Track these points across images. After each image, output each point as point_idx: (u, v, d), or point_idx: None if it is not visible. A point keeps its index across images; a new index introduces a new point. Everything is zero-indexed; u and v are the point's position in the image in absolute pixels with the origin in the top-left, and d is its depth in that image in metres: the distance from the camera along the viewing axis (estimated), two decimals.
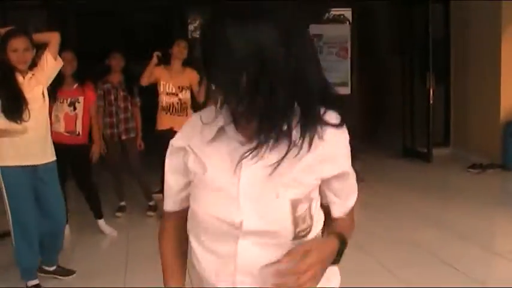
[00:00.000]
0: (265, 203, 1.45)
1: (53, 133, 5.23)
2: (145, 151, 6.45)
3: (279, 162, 1.43)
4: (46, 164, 4.32)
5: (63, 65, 4.91)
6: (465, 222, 5.74)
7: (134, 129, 6.29)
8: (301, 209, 1.47)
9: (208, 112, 1.53)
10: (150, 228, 6.14)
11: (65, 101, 5.33)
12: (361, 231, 5.67)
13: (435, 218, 6.03)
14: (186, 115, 6.00)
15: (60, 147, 5.03)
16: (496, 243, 5.43)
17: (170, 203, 1.68)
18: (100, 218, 5.84)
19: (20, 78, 4.20)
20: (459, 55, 9.11)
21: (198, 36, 11.78)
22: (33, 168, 4.23)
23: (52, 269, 4.67)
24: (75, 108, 5.34)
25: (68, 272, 4.71)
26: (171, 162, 1.63)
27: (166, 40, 6.50)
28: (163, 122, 6.06)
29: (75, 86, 5.39)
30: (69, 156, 5.32)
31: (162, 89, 6.07)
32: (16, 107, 4.10)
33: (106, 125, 6.14)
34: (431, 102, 8.80)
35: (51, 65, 4.39)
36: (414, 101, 9.50)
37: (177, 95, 6.08)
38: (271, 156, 1.44)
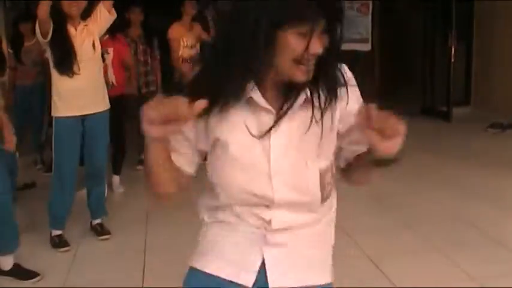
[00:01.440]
0: (295, 174, 1.48)
1: None
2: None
3: (309, 126, 1.46)
4: (97, 113, 4.43)
5: None
6: (483, 182, 5.72)
7: (154, 83, 6.32)
8: (328, 176, 1.53)
9: None
10: None
11: None
12: (381, 190, 5.68)
13: (454, 178, 6.01)
14: None
15: None
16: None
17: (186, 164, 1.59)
18: (118, 174, 5.93)
19: (72, 30, 4.25)
20: (482, 14, 8.95)
21: None
22: (84, 118, 4.36)
23: (95, 222, 4.73)
24: (104, 59, 5.35)
25: (104, 232, 4.70)
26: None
27: None
28: (189, 72, 6.27)
29: (105, 37, 5.39)
30: None
31: (183, 44, 6.32)
32: (67, 62, 4.19)
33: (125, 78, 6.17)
34: (452, 60, 8.69)
35: (104, 16, 4.41)
36: (435, 59, 9.40)
37: (195, 46, 6.46)
38: (296, 124, 1.47)
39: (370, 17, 8.73)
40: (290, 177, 1.47)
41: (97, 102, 4.44)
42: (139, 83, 6.21)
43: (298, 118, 1.46)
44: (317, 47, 1.36)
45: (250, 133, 1.45)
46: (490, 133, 7.82)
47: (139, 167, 6.50)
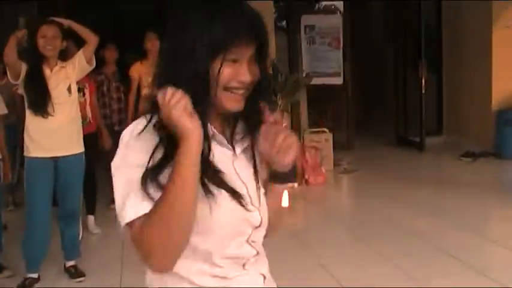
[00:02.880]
0: (260, 198, 1.49)
1: None
2: None
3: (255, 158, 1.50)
4: (70, 156, 4.38)
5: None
6: (459, 210, 5.77)
7: (128, 120, 6.28)
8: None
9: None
10: None
11: None
12: (356, 219, 5.74)
13: (429, 206, 6.06)
14: None
15: None
16: (489, 230, 5.45)
17: (144, 205, 1.32)
18: (92, 214, 5.80)
19: (47, 71, 4.23)
20: (451, 45, 9.13)
21: None
22: (57, 159, 4.30)
23: (69, 264, 4.60)
24: (84, 94, 5.36)
25: (78, 274, 4.58)
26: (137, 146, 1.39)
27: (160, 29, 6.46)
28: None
29: None
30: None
31: (144, 83, 6.17)
32: (41, 103, 4.16)
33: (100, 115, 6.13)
34: (423, 91, 8.82)
35: (82, 65, 4.42)
36: (407, 90, 9.53)
37: None
38: (246, 156, 1.50)
39: (341, 51, 8.84)
40: (258, 198, 1.49)
41: (71, 145, 4.40)
42: (113, 120, 6.17)
43: (242, 146, 1.50)
44: (245, 74, 1.38)
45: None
46: (463, 162, 7.90)
47: (113, 206, 6.42)
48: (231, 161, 1.45)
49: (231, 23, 1.33)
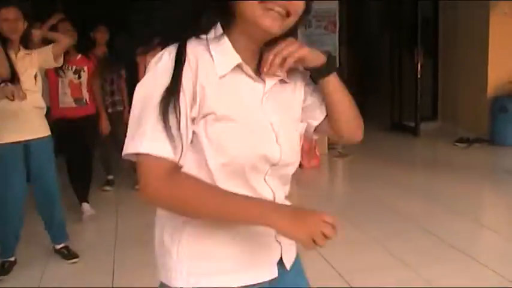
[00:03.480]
0: (289, 136, 1.47)
1: (61, 109, 5.27)
2: None
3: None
4: (39, 139, 4.27)
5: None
6: (452, 195, 5.78)
7: (121, 102, 6.26)
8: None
9: (201, 45, 1.38)
10: (138, 203, 6.11)
11: (70, 68, 5.35)
12: (349, 203, 5.75)
13: (422, 191, 6.07)
14: None
15: (69, 123, 5.20)
16: (482, 215, 5.47)
17: (177, 150, 1.29)
18: (85, 201, 5.69)
19: (12, 55, 4.15)
20: (447, 30, 9.10)
21: None
22: (26, 144, 4.20)
23: (59, 246, 4.56)
24: (79, 77, 5.38)
25: (71, 255, 4.55)
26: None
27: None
28: None
29: (79, 56, 5.38)
30: (78, 129, 5.37)
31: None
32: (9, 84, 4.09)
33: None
34: (419, 76, 8.80)
35: (49, 60, 4.36)
36: (402, 75, 9.52)
37: None
38: (280, 89, 1.48)
39: (337, 34, 8.80)
40: (288, 139, 1.46)
41: (38, 128, 4.28)
42: (106, 103, 6.15)
43: (282, 87, 1.48)
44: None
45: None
46: (458, 147, 7.91)
47: (107, 188, 6.43)
48: (259, 96, 1.42)
49: None
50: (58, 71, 5.24)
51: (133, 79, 6.38)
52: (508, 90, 8.04)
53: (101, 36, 6.14)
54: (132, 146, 1.29)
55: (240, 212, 1.31)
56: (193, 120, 1.33)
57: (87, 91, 5.49)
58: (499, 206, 5.78)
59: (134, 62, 6.34)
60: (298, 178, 6.63)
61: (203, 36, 1.39)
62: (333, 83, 1.51)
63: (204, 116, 1.33)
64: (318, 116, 1.57)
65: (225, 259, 1.43)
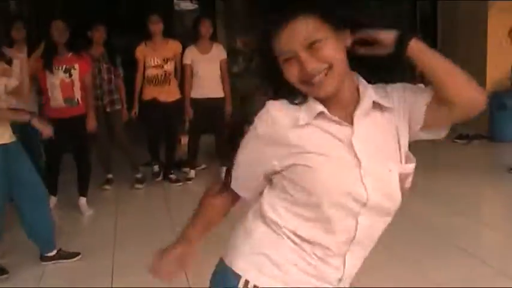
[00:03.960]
0: (381, 178, 1.47)
1: (52, 109, 5.23)
2: (131, 123, 6.45)
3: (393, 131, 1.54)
4: (8, 144, 4.15)
5: (56, 35, 5.19)
6: (451, 192, 5.77)
7: (119, 101, 6.26)
8: (408, 182, 1.56)
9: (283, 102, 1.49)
10: (137, 201, 6.14)
11: (60, 68, 5.30)
12: None
13: (421, 188, 6.04)
14: (169, 85, 6.33)
15: (61, 123, 5.08)
16: (482, 212, 5.47)
17: (243, 190, 1.61)
18: (84, 195, 5.70)
19: None
20: (446, 26, 9.09)
21: (183, 7, 11.65)
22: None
23: (53, 254, 4.46)
24: (70, 75, 5.33)
25: (72, 255, 4.50)
26: (249, 149, 1.54)
27: (150, 11, 6.41)
28: (147, 92, 6.33)
29: (70, 54, 5.34)
30: (70, 128, 5.33)
31: (148, 64, 6.29)
32: None
33: None
34: (417, 73, 8.78)
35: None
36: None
37: (162, 66, 6.30)
38: (372, 128, 1.49)
39: None
40: (377, 180, 1.46)
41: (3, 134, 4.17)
42: (104, 102, 6.14)
43: (372, 122, 1.49)
44: (309, 64, 1.39)
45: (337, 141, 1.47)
46: (457, 144, 7.91)
47: (107, 187, 6.42)
48: (348, 138, 1.44)
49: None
50: (47, 72, 5.23)
51: (131, 77, 6.40)
52: (506, 87, 8.03)
53: (99, 35, 6.12)
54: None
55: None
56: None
57: (80, 89, 5.42)
58: (498, 202, 5.78)
59: (132, 60, 6.36)
60: None
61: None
62: (418, 47, 1.55)
63: (295, 156, 1.45)
64: (420, 110, 1.56)
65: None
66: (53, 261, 4.42)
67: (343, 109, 1.47)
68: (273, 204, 1.51)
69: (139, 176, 6.48)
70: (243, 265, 1.54)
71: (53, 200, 5.74)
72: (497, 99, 7.89)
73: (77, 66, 5.35)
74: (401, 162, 1.53)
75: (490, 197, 6.02)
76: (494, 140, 7.89)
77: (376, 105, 1.49)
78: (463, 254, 4.23)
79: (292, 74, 1.42)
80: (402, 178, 1.51)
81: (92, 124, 5.53)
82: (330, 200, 1.42)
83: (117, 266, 4.34)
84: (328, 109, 1.45)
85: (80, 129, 5.43)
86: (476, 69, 8.24)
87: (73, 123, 5.33)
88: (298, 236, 1.48)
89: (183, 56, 6.36)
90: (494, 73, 8.09)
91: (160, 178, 6.67)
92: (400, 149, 1.53)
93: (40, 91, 5.57)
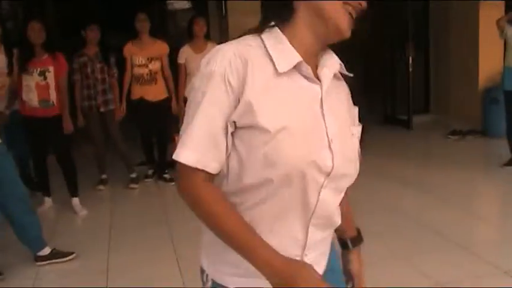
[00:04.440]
0: (345, 143, 1.40)
1: (28, 108, 5.23)
2: (126, 122, 6.45)
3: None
4: None
5: (32, 35, 5.17)
6: (446, 187, 5.79)
7: (113, 101, 6.24)
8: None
9: (255, 46, 1.34)
10: (132, 201, 6.14)
11: (35, 70, 5.27)
12: None
13: (417, 184, 6.07)
14: (156, 84, 6.36)
15: (36, 122, 5.11)
16: (476, 207, 5.48)
17: (215, 161, 1.30)
18: (75, 195, 5.70)
19: None
20: (438, 23, 9.10)
21: (175, 7, 11.65)
22: None
23: (46, 253, 4.45)
24: (45, 78, 5.30)
25: (66, 254, 4.50)
26: (215, 99, 1.29)
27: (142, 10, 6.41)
28: (134, 92, 6.38)
29: (46, 56, 5.32)
30: (47, 130, 5.35)
31: (133, 62, 6.34)
32: None
33: (84, 97, 6.10)
34: (411, 70, 8.81)
35: None
36: (394, 69, 9.53)
37: (146, 66, 6.32)
38: (336, 92, 1.43)
39: None
40: (343, 145, 1.37)
41: None
42: (98, 102, 6.12)
43: (334, 82, 1.42)
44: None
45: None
46: (451, 140, 7.93)
47: (101, 187, 6.42)
48: (318, 97, 1.35)
49: None
50: (22, 74, 5.23)
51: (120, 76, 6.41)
52: (499, 83, 8.06)
53: (92, 35, 6.10)
54: (175, 153, 1.31)
55: (242, 249, 1.31)
56: (234, 128, 1.30)
57: (55, 91, 5.38)
58: (492, 197, 5.81)
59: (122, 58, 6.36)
60: None
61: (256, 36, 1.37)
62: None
63: (250, 126, 1.29)
64: None
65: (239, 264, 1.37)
66: (47, 261, 4.41)
67: (310, 63, 1.35)
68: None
69: (134, 176, 6.47)
70: (205, 261, 1.49)
71: (47, 201, 5.75)
72: (489, 95, 7.92)
73: (51, 69, 5.33)
74: (357, 125, 1.48)
75: (484, 192, 6.04)
76: (487, 135, 7.91)
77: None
78: (457, 248, 4.24)
79: None
80: (359, 142, 1.47)
81: (67, 125, 5.49)
82: (292, 171, 1.29)
83: (112, 265, 4.34)
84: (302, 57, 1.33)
85: (57, 130, 5.42)
86: (468, 65, 8.29)
87: (49, 125, 5.33)
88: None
89: (177, 56, 6.37)
90: (486, 69, 8.11)
91: (150, 180, 6.66)
92: (355, 111, 1.51)
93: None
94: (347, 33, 1.35)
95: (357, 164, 1.44)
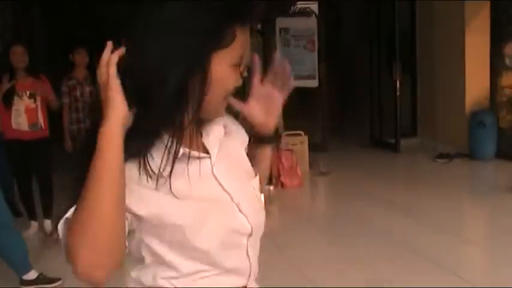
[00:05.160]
0: (252, 200, 1.39)
1: (16, 131, 5.21)
2: None
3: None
4: None
5: (15, 59, 5.18)
6: (434, 210, 5.81)
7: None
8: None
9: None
10: None
11: (24, 93, 5.28)
12: (331, 221, 5.75)
13: (404, 208, 6.08)
14: None
15: (22, 146, 5.10)
16: (464, 230, 5.50)
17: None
18: (48, 217, 5.63)
19: None
20: (425, 47, 9.20)
21: None
22: None
23: (32, 277, 4.38)
24: (35, 100, 5.32)
25: (52, 280, 4.45)
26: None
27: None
28: None
29: (31, 79, 5.34)
30: (33, 151, 5.37)
31: None
32: None
33: (73, 120, 6.08)
34: (398, 93, 8.88)
35: None
36: (381, 92, 9.59)
37: None
38: (226, 153, 1.39)
39: (316, 53, 8.87)
40: (250, 203, 1.37)
41: None
42: (86, 125, 6.11)
43: (224, 144, 1.38)
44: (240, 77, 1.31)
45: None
46: (438, 163, 7.97)
47: None
48: (209, 170, 1.32)
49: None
50: (11, 98, 5.21)
51: None
52: (485, 106, 8.14)
53: (81, 58, 6.10)
54: None
55: (101, 168, 1.12)
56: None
57: (42, 113, 5.41)
58: (479, 220, 5.82)
59: None
60: (280, 197, 6.66)
61: None
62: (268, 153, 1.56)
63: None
64: None
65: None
66: (33, 286, 4.35)
67: (191, 138, 1.30)
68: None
69: None
70: None
71: (33, 225, 5.69)
72: (476, 118, 7.98)
73: (39, 91, 5.36)
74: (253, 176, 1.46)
75: (472, 215, 6.06)
76: (474, 157, 7.96)
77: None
78: (444, 271, 4.24)
79: (231, 81, 1.27)
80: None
81: (68, 145, 5.65)
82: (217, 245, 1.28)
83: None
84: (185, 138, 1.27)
85: (44, 151, 5.43)
86: (454, 88, 8.36)
87: (36, 146, 5.33)
88: None
89: None
90: (473, 92, 8.19)
91: None
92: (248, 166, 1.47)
93: None
94: (222, 116, 1.37)
95: (263, 212, 1.43)
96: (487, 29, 8.11)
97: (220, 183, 1.33)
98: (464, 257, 4.83)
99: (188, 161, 1.27)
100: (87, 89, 6.10)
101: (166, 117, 1.21)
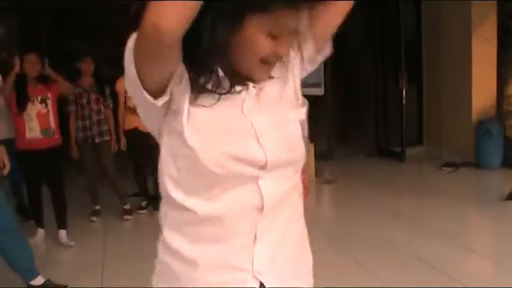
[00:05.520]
0: (279, 131, 1.41)
1: (30, 142, 5.23)
2: (119, 153, 6.44)
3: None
4: None
5: (28, 68, 5.24)
6: (440, 220, 5.78)
7: (107, 132, 6.25)
8: (305, 127, 1.49)
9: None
10: (126, 233, 6.10)
11: (36, 99, 5.33)
12: (337, 229, 5.73)
13: (410, 217, 6.07)
14: None
15: (35, 153, 5.08)
16: (470, 239, 5.47)
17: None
18: (62, 228, 5.63)
19: None
20: (431, 55, 9.19)
21: None
22: None
23: (40, 283, 4.37)
24: (46, 105, 5.36)
25: (59, 287, 4.45)
26: None
27: None
28: (129, 122, 6.35)
29: (40, 85, 5.39)
30: (45, 160, 5.38)
31: (127, 94, 6.27)
32: None
33: (79, 128, 6.10)
34: (404, 101, 8.87)
35: None
36: (387, 101, 9.58)
37: None
38: (266, 86, 1.42)
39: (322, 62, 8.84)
40: (275, 134, 1.39)
41: None
42: (92, 133, 6.13)
43: (272, 83, 1.43)
44: (286, 48, 1.35)
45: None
46: (444, 172, 7.95)
47: (94, 218, 6.37)
48: (239, 104, 1.37)
49: None
50: (25, 104, 5.26)
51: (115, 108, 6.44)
52: (492, 115, 8.12)
53: (86, 66, 6.14)
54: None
55: None
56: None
57: (54, 118, 5.45)
58: (486, 230, 5.80)
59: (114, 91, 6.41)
60: None
61: None
62: None
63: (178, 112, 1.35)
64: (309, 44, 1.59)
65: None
66: None
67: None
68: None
69: (127, 207, 6.44)
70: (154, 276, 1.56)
71: (40, 232, 5.70)
72: (482, 127, 7.96)
73: (50, 95, 5.42)
74: (300, 106, 1.49)
75: (477, 225, 6.04)
76: (480, 166, 7.94)
77: None
78: (451, 282, 4.22)
79: (263, 48, 1.30)
80: (302, 125, 1.47)
81: (75, 152, 5.72)
82: (215, 172, 1.33)
83: None
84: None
85: (56, 159, 5.45)
86: (461, 97, 8.34)
87: (50, 154, 5.35)
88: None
89: None
90: (479, 100, 8.17)
91: (144, 211, 6.62)
92: (297, 94, 1.50)
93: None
94: (262, 81, 1.38)
95: (301, 149, 1.45)
96: (494, 37, 8.10)
97: (243, 111, 1.37)
98: (470, 266, 4.80)
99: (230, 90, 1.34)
100: (93, 97, 6.12)
101: (204, 68, 1.30)
